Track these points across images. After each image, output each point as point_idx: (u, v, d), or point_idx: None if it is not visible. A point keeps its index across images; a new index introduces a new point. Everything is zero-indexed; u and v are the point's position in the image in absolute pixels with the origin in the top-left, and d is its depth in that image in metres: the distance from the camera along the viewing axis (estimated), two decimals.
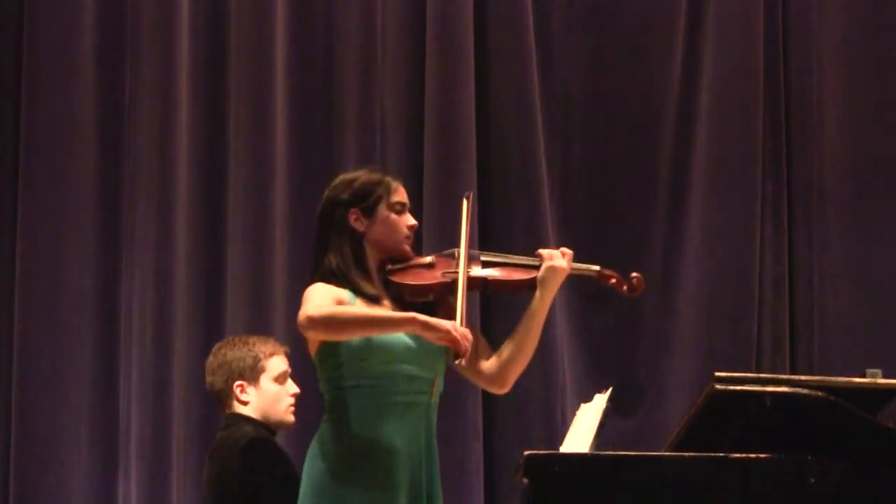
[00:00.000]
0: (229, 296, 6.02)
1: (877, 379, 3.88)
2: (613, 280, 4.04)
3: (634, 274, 4.04)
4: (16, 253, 5.91)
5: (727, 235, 6.47)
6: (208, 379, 4.61)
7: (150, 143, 6.00)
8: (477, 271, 3.95)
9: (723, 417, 3.78)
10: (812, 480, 3.67)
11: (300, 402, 4.61)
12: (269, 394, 4.55)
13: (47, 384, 5.84)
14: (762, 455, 3.71)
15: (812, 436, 3.72)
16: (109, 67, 6.04)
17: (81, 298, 5.92)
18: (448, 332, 3.70)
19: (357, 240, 3.93)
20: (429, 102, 6.26)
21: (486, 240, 6.05)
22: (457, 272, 3.88)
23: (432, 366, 3.89)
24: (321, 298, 3.81)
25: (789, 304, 6.49)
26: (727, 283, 6.44)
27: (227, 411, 4.56)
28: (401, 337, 3.85)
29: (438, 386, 3.93)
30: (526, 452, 3.74)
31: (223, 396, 4.57)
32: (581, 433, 4.00)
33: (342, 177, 4.01)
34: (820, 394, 3.73)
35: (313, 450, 3.86)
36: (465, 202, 4.03)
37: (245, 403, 4.53)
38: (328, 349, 3.85)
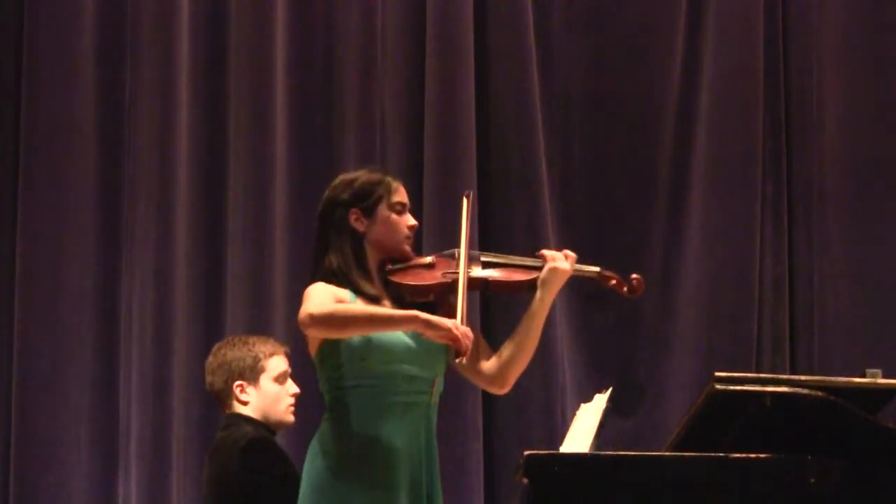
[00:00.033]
0: (229, 296, 6.02)
1: (877, 379, 3.88)
2: (614, 281, 4.04)
3: (634, 275, 4.04)
4: (16, 253, 5.91)
5: (727, 235, 6.47)
6: (208, 379, 4.61)
7: (150, 143, 6.00)
8: (477, 272, 3.95)
9: (723, 417, 3.78)
10: (812, 480, 3.67)
11: (300, 402, 4.61)
12: (268, 394, 4.55)
13: (47, 384, 5.84)
14: (762, 455, 3.71)
15: (812, 436, 3.72)
16: (109, 67, 6.05)
17: (81, 298, 5.92)
18: (449, 330, 3.70)
19: (357, 240, 3.93)
20: (429, 102, 6.26)
21: (486, 240, 6.06)
22: (457, 272, 3.88)
23: (432, 366, 3.89)
24: (322, 297, 3.81)
25: (789, 304, 6.49)
26: (727, 283, 6.44)
27: (227, 411, 4.56)
28: (401, 337, 3.85)
29: (438, 386, 3.93)
30: (526, 452, 3.74)
31: (223, 396, 4.57)
32: (581, 433, 4.00)
33: (342, 177, 4.01)
34: (820, 394, 3.73)
35: (314, 448, 3.87)
36: (465, 201, 4.03)
37: (245, 403, 4.53)
38: (328, 349, 3.85)
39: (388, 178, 3.99)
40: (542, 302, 3.94)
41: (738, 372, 3.90)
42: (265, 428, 4.52)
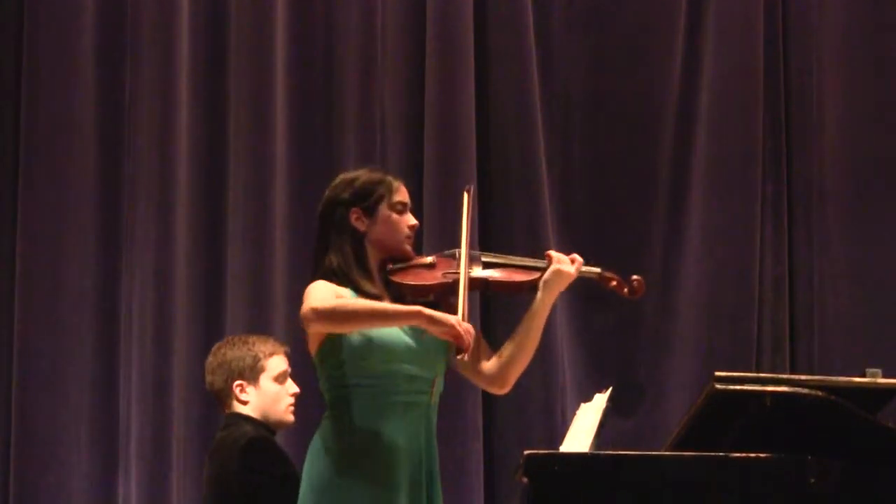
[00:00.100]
0: (229, 296, 6.02)
1: (877, 379, 3.87)
2: (614, 283, 4.04)
3: (635, 277, 4.04)
4: (16, 253, 5.92)
5: (727, 235, 6.47)
6: (208, 378, 4.61)
7: (150, 143, 6.00)
8: (478, 272, 3.95)
9: (723, 417, 3.78)
10: (812, 480, 3.67)
11: (300, 402, 4.61)
12: (268, 393, 4.55)
13: (47, 384, 5.84)
14: (762, 455, 3.70)
15: (812, 436, 3.72)
16: (109, 67, 6.05)
17: (81, 298, 5.92)
18: (453, 326, 3.70)
19: (358, 239, 3.93)
20: (429, 102, 6.26)
21: (486, 240, 6.06)
22: (458, 272, 3.88)
23: (432, 365, 3.90)
24: (324, 293, 3.81)
25: (789, 304, 6.49)
26: (727, 283, 6.44)
27: (227, 411, 4.56)
28: (401, 336, 3.85)
29: (438, 386, 3.93)
30: (526, 452, 3.74)
31: (223, 396, 4.57)
32: (581, 433, 4.00)
33: (343, 176, 4.01)
34: (820, 394, 3.73)
35: (316, 444, 3.87)
36: (465, 196, 4.03)
37: (245, 403, 4.53)
38: (329, 348, 3.85)
39: (390, 178, 3.99)
40: (543, 303, 3.94)
41: (738, 372, 3.90)
42: (265, 427, 4.52)
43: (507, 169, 6.37)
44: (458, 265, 3.89)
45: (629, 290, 4.04)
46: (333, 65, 6.26)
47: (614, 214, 6.48)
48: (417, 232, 4.04)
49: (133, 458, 5.84)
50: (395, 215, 3.96)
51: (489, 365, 3.96)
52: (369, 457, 3.81)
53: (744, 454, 3.71)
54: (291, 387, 4.59)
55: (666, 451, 3.88)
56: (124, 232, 5.98)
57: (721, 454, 3.72)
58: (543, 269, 3.94)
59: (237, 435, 4.44)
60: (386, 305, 3.84)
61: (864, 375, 3.89)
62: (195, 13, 6.13)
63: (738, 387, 3.74)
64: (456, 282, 3.86)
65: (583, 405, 4.19)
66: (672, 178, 6.49)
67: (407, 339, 3.85)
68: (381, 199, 3.95)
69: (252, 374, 4.54)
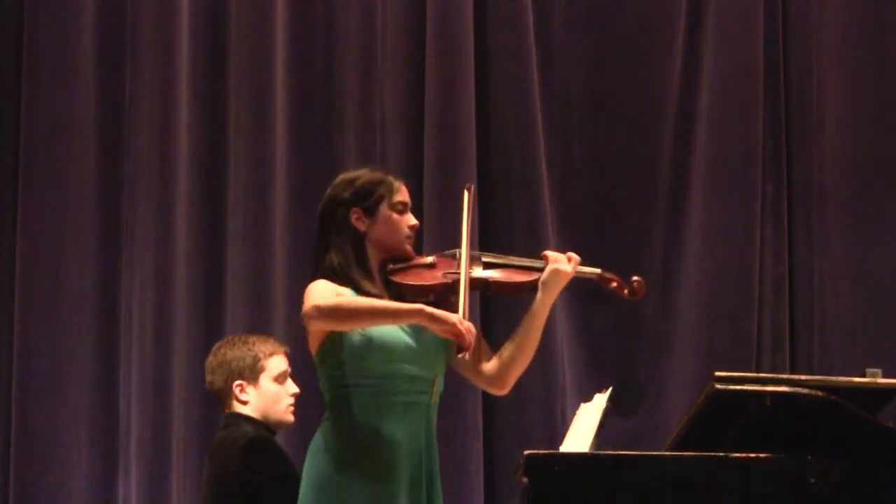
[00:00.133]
0: (229, 296, 6.02)
1: (877, 379, 3.87)
2: (615, 284, 4.04)
3: (635, 278, 4.04)
4: (16, 253, 5.92)
5: (727, 235, 6.46)
6: (208, 378, 4.61)
7: (150, 143, 6.00)
8: (478, 272, 3.95)
9: (723, 417, 3.78)
10: (812, 480, 3.67)
11: (300, 402, 4.61)
12: (268, 393, 4.55)
13: (47, 384, 5.84)
14: (762, 455, 3.70)
15: (812, 436, 3.72)
16: (109, 67, 6.05)
17: (81, 298, 5.92)
18: (454, 324, 3.70)
19: (358, 239, 3.93)
20: (429, 102, 6.26)
21: (486, 240, 6.06)
22: (458, 273, 3.88)
23: (433, 366, 3.90)
24: (325, 291, 3.81)
25: (789, 304, 6.49)
26: (727, 283, 6.44)
27: (227, 411, 4.56)
28: (401, 336, 3.85)
29: (438, 386, 3.93)
30: (526, 452, 3.74)
31: (223, 396, 4.57)
32: (581, 433, 4.00)
33: (343, 176, 4.01)
34: (820, 394, 3.72)
35: (317, 442, 3.86)
36: (466, 194, 4.03)
37: (245, 403, 4.53)
38: (329, 348, 3.85)
39: (390, 178, 3.99)
40: (543, 303, 3.94)
41: (738, 372, 3.90)
42: (265, 427, 4.52)
43: (507, 169, 6.37)
44: (459, 265, 3.89)
45: (629, 292, 4.04)
46: (333, 65, 6.26)
47: (614, 214, 6.48)
48: (417, 232, 4.03)
49: (133, 458, 5.84)
50: (395, 215, 3.96)
51: (489, 365, 3.96)
52: (369, 456, 3.81)
53: (744, 454, 3.71)
54: (291, 387, 4.59)
55: (666, 451, 3.88)
56: (124, 232, 5.98)
57: (721, 454, 3.72)
58: (541, 270, 3.94)
59: (237, 435, 4.44)
60: (388, 303, 3.83)
61: (864, 375, 3.89)
62: (195, 13, 6.13)
63: (738, 387, 3.74)
64: (456, 282, 3.86)
65: (583, 405, 4.19)
66: (672, 178, 6.49)
67: (407, 339, 3.85)
68: (381, 199, 3.94)
69: (252, 374, 4.54)
